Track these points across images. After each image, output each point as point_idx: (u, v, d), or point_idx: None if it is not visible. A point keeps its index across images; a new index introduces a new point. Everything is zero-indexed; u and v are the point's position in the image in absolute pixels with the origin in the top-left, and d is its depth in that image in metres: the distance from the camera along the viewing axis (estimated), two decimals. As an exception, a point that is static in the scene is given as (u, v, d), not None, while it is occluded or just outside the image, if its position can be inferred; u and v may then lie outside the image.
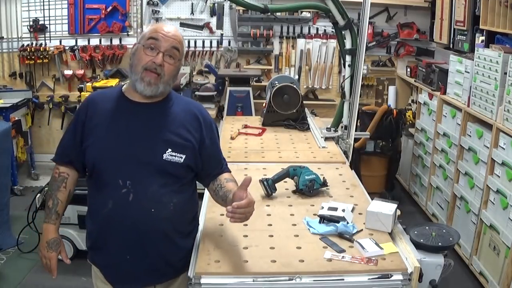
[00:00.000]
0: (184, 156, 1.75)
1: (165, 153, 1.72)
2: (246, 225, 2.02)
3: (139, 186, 1.69)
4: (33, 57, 5.04)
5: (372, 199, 2.15)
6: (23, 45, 5.07)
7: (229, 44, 5.21)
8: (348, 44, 3.40)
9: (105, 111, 1.76)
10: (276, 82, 3.58)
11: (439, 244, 1.91)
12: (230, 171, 1.94)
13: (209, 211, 2.13)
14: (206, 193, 2.30)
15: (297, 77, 5.14)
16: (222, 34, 5.18)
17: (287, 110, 3.48)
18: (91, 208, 1.82)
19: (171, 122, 1.77)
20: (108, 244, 1.76)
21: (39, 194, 3.39)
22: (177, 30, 1.79)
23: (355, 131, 3.24)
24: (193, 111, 1.83)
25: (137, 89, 1.72)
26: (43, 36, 5.09)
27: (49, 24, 5.09)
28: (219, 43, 5.20)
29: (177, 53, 1.74)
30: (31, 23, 5.06)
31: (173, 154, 1.73)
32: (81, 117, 1.78)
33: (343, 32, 3.42)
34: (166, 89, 1.77)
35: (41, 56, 5.05)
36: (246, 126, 3.50)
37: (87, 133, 1.75)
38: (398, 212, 2.04)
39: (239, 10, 4.98)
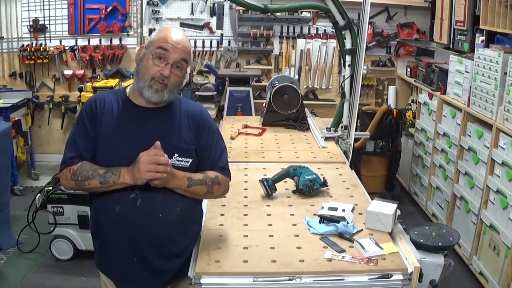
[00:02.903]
0: (190, 160, 1.76)
1: (172, 158, 1.72)
2: (246, 225, 2.03)
3: (147, 191, 1.69)
4: (33, 57, 5.03)
5: (372, 199, 2.16)
6: (23, 45, 5.06)
7: (229, 44, 5.21)
8: (348, 44, 3.40)
9: (111, 114, 1.74)
10: (276, 82, 3.58)
11: (439, 244, 1.91)
12: (222, 172, 1.84)
13: (209, 211, 2.13)
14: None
15: (297, 77, 5.14)
16: (222, 34, 5.18)
17: (287, 110, 3.48)
18: (97, 211, 1.80)
19: (176, 127, 1.77)
20: (116, 247, 1.76)
21: (39, 194, 3.39)
22: (186, 39, 1.77)
23: (355, 131, 3.24)
24: (195, 114, 1.83)
25: (144, 96, 1.71)
26: (43, 36, 5.09)
27: (49, 24, 5.09)
28: (219, 43, 5.20)
29: (184, 64, 1.74)
30: (31, 23, 5.06)
31: (180, 159, 1.74)
32: (92, 113, 1.73)
33: (343, 32, 3.42)
34: (171, 97, 1.76)
35: (41, 56, 5.04)
36: (246, 126, 3.50)
37: (97, 131, 1.72)
38: (398, 212, 2.04)
39: (239, 10, 4.98)
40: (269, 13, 3.43)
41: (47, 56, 5.06)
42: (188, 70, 5.04)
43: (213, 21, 5.14)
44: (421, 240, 1.91)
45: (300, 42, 5.16)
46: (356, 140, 3.51)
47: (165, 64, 1.69)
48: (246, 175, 2.59)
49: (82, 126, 1.75)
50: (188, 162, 1.76)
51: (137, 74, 1.74)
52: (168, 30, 1.75)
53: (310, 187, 2.30)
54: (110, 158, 1.71)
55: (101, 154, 1.73)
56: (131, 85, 1.81)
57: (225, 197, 2.19)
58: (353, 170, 2.78)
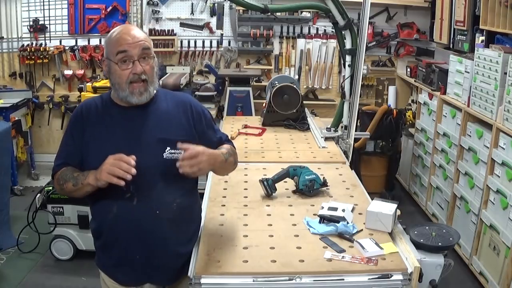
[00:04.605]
0: (183, 151, 1.75)
1: (165, 152, 1.73)
2: (246, 225, 2.03)
3: (142, 189, 1.70)
4: (33, 57, 5.04)
5: (372, 199, 2.16)
6: (23, 45, 5.07)
7: (229, 44, 5.21)
8: (348, 44, 3.40)
9: (100, 119, 1.76)
10: (276, 82, 3.58)
11: (439, 244, 1.91)
12: (230, 144, 1.98)
13: (209, 211, 2.13)
14: (206, 193, 2.31)
15: (297, 77, 5.14)
16: (222, 34, 5.18)
17: (287, 110, 3.48)
18: (95, 213, 1.82)
19: (164, 120, 1.78)
20: (116, 246, 1.77)
21: (39, 194, 3.39)
22: (135, 27, 1.76)
23: (355, 131, 3.24)
24: (182, 103, 1.85)
25: (132, 102, 1.72)
26: (43, 36, 5.09)
27: (49, 24, 5.09)
28: (219, 43, 5.20)
29: (149, 52, 1.73)
30: (31, 23, 5.06)
31: (172, 151, 1.74)
32: (78, 121, 1.77)
33: (343, 32, 3.42)
34: (155, 88, 1.79)
35: (41, 56, 5.05)
36: (246, 126, 3.50)
37: (86, 137, 1.75)
38: (398, 212, 2.04)
39: (239, 10, 4.98)
40: (269, 13, 3.43)
41: (47, 56, 5.06)
42: (188, 70, 5.05)
43: (213, 21, 5.14)
44: (421, 240, 1.91)
45: (300, 42, 5.16)
46: (356, 140, 3.51)
47: (132, 63, 1.69)
48: (246, 175, 2.59)
49: (69, 133, 1.79)
50: (181, 153, 1.75)
51: (114, 86, 1.75)
52: (115, 33, 1.72)
53: (310, 187, 2.30)
54: (100, 161, 1.70)
55: (93, 159, 1.72)
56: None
57: (225, 197, 2.20)
58: (353, 170, 2.78)
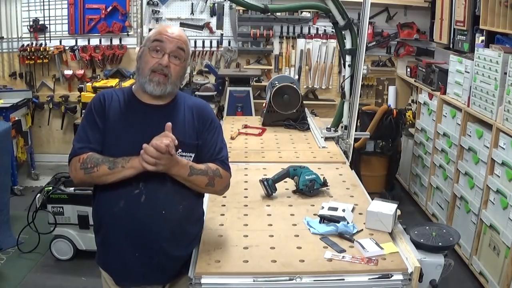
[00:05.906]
0: (193, 155, 1.79)
1: (176, 153, 1.72)
2: (246, 225, 2.03)
3: (152, 188, 1.71)
4: (33, 57, 5.03)
5: (372, 199, 2.16)
6: (23, 45, 5.07)
7: (229, 44, 5.21)
8: (348, 44, 3.40)
9: (118, 110, 1.77)
10: (276, 82, 3.58)
11: (439, 244, 1.91)
12: (222, 166, 1.83)
13: (209, 211, 2.13)
14: (206, 194, 2.31)
15: (297, 77, 5.14)
16: (222, 34, 5.18)
17: (287, 110, 3.48)
18: (100, 205, 1.81)
19: (180, 122, 1.80)
20: (117, 242, 1.77)
21: (39, 194, 3.39)
22: (182, 31, 1.82)
23: (355, 131, 3.24)
24: (197, 107, 1.87)
25: (147, 90, 1.74)
26: (43, 36, 5.09)
27: (49, 24, 5.09)
28: (219, 43, 5.20)
29: (182, 53, 1.77)
30: (31, 23, 5.06)
31: (184, 154, 1.76)
32: (101, 107, 1.76)
33: (343, 32, 3.42)
34: (174, 90, 1.80)
35: (41, 56, 5.04)
36: (246, 126, 3.50)
37: (106, 125, 1.75)
38: (398, 212, 2.04)
39: (239, 10, 4.98)
40: (269, 13, 3.43)
41: (47, 56, 5.06)
42: (188, 70, 5.04)
43: (213, 21, 5.14)
44: (421, 240, 1.91)
45: (300, 42, 5.16)
46: (356, 140, 3.51)
47: (162, 55, 1.73)
48: (246, 175, 2.59)
49: (91, 119, 1.77)
50: (191, 156, 1.79)
51: (138, 71, 1.79)
52: (163, 25, 1.85)
53: (310, 187, 2.30)
54: (115, 153, 1.72)
55: (107, 149, 1.74)
56: (136, 83, 1.84)
57: (225, 197, 2.20)
58: (353, 170, 2.78)
